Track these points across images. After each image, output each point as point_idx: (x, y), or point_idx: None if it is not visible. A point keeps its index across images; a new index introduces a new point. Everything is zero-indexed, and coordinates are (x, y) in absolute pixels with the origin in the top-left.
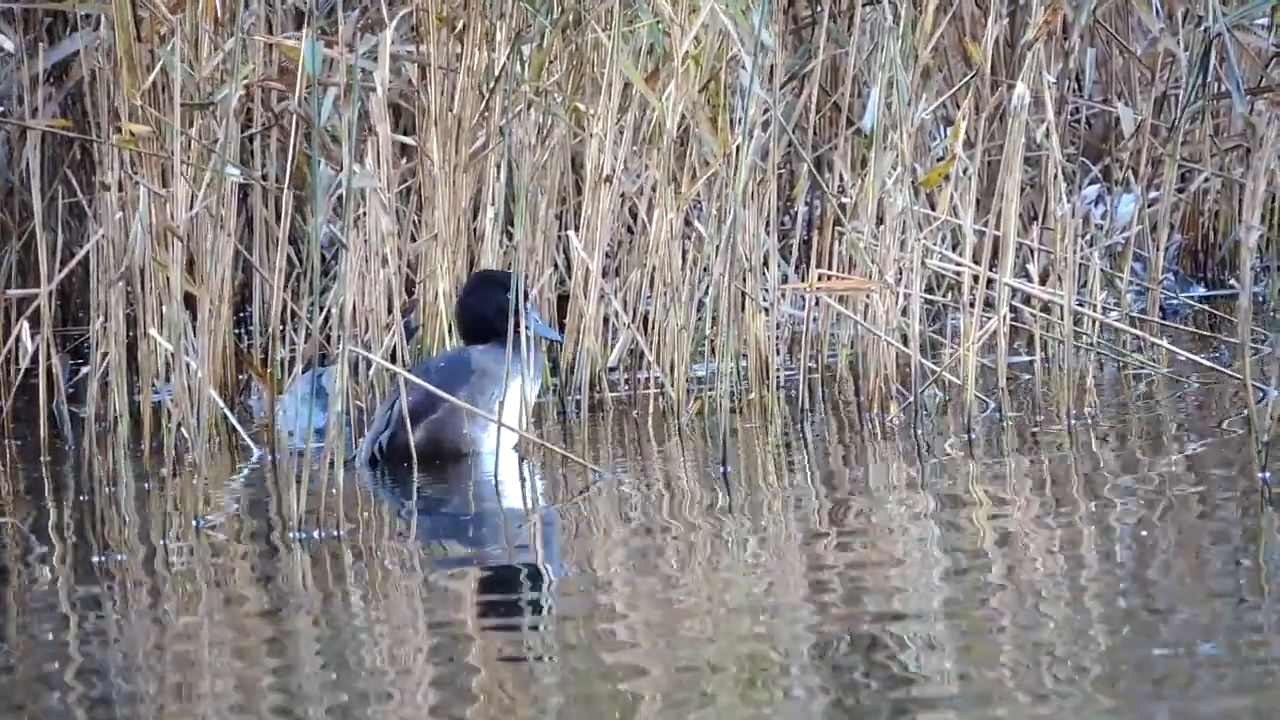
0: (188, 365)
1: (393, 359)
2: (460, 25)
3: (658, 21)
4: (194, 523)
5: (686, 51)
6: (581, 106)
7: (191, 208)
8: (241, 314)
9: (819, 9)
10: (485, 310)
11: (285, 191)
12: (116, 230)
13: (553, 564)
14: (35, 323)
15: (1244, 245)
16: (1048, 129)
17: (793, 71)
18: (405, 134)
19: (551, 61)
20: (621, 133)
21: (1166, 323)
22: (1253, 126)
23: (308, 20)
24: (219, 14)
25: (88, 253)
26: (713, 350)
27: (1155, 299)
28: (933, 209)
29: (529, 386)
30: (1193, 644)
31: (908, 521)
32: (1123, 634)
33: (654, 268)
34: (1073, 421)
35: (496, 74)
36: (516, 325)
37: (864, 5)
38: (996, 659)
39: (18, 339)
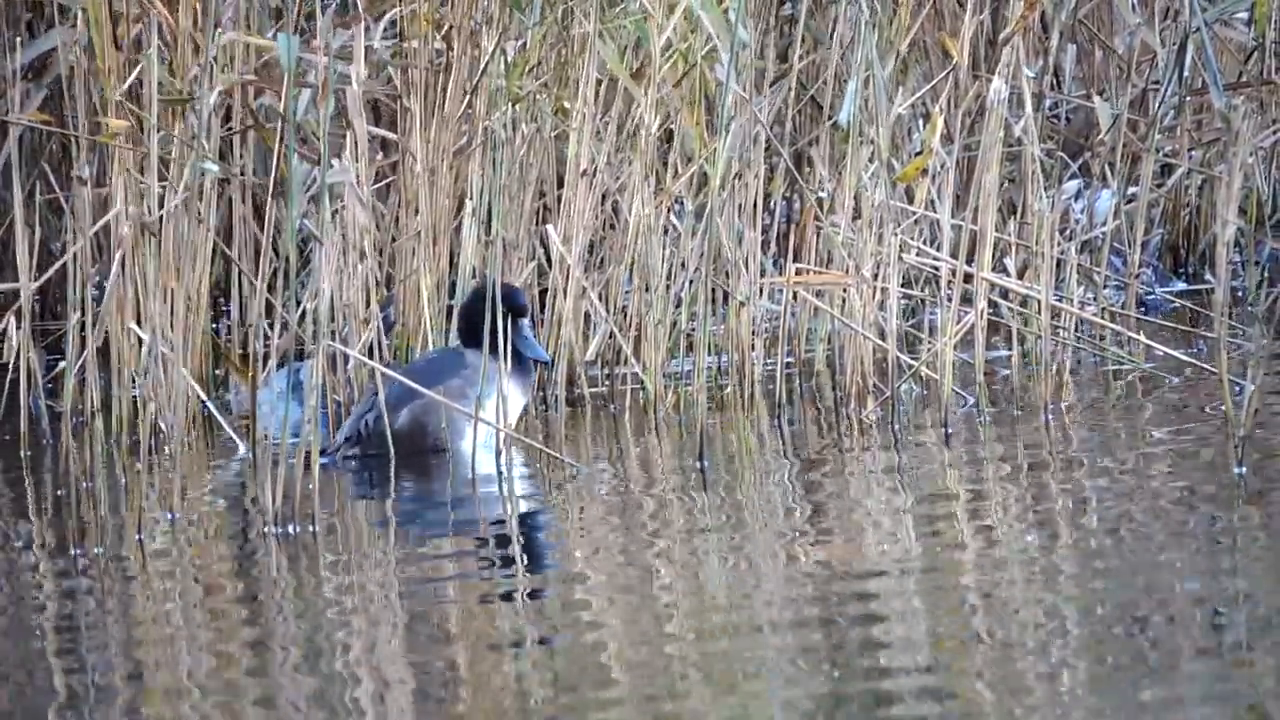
0: (165, 360)
1: (370, 354)
2: (447, 27)
3: (643, 17)
4: (171, 516)
5: (667, 47)
6: (567, 104)
7: (170, 203)
8: (220, 308)
9: (798, 5)
10: (477, 321)
11: (258, 180)
12: (92, 225)
13: (530, 556)
14: (15, 317)
15: (1219, 240)
16: (1026, 124)
17: (774, 67)
18: (387, 128)
19: (538, 64)
20: (606, 127)
21: (1144, 317)
22: (1228, 121)
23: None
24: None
25: (67, 249)
26: (690, 345)
27: (1133, 294)
28: (910, 203)
29: (514, 391)
30: (1168, 635)
31: (884, 514)
32: (1097, 623)
33: (631, 263)
34: (1050, 416)
35: (480, 72)
36: (497, 340)
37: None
38: (972, 649)
39: (2, 334)
